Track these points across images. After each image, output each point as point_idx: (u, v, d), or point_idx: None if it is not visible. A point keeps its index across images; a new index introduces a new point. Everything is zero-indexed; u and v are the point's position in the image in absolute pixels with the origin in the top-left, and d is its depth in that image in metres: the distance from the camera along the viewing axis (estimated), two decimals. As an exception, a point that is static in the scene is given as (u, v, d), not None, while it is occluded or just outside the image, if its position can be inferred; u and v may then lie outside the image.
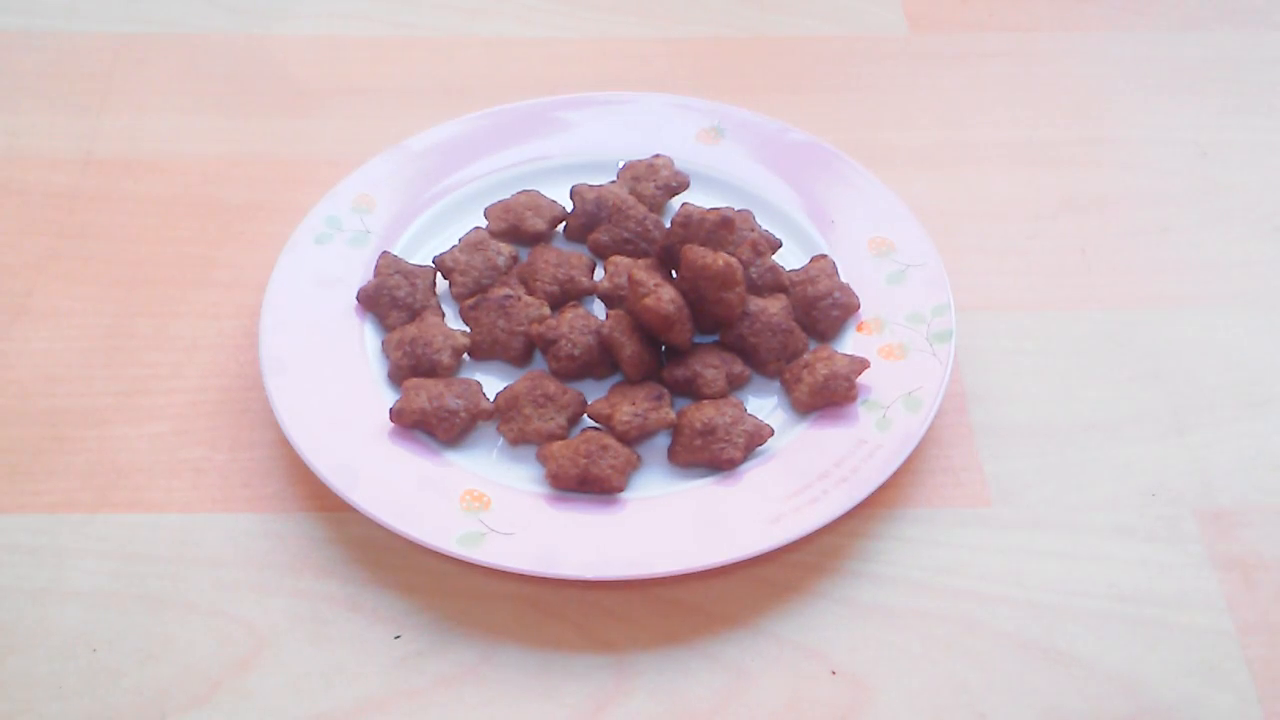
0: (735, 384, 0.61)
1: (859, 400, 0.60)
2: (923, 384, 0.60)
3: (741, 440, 0.57)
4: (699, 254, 0.59)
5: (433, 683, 0.52)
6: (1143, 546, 0.56)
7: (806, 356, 0.61)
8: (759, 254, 0.64)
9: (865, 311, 0.64)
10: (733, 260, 0.60)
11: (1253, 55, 0.82)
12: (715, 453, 0.57)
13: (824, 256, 0.66)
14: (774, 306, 0.62)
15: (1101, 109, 0.79)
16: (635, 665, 0.53)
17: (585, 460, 0.56)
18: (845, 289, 0.64)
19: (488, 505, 0.56)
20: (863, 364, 0.60)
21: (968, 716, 0.51)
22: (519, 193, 0.70)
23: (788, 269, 0.66)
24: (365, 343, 0.63)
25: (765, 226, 0.68)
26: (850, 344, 0.63)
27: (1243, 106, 0.79)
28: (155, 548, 0.56)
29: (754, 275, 0.63)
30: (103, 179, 0.73)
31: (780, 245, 0.68)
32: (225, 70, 0.81)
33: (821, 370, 0.59)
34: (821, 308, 0.63)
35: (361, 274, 0.66)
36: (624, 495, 0.57)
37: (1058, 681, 0.52)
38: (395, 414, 0.58)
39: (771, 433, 0.59)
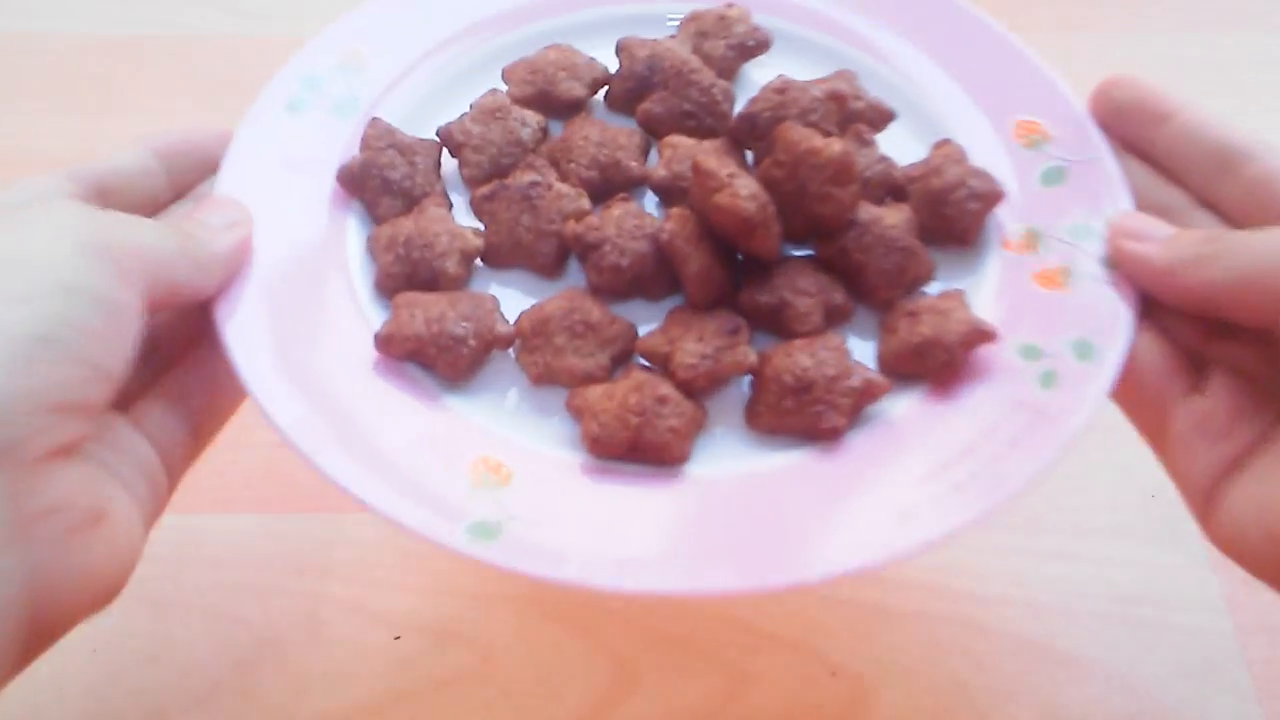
0: (835, 319, 0.47)
1: (1007, 345, 0.45)
2: (1098, 323, 0.45)
3: (848, 401, 0.44)
4: (803, 136, 0.46)
5: (432, 684, 0.52)
6: (1143, 547, 0.56)
7: (920, 301, 0.47)
8: (863, 143, 0.52)
9: (1011, 218, 0.50)
10: (850, 146, 0.46)
11: (1253, 56, 0.82)
12: (812, 417, 0.44)
13: (948, 142, 0.52)
14: (893, 217, 0.50)
15: (1101, 109, 0.79)
16: (635, 666, 0.53)
17: (638, 419, 0.43)
18: (982, 175, 0.51)
19: (507, 479, 0.43)
20: (982, 335, 0.45)
21: (968, 716, 0.51)
22: (548, 48, 0.56)
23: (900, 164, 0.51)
24: (347, 242, 0.50)
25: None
26: (996, 262, 0.49)
27: (1243, 107, 0.79)
28: (155, 548, 0.56)
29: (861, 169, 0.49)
30: (103, 179, 0.73)
31: (893, 116, 0.54)
32: (225, 71, 0.81)
33: (924, 328, 0.45)
34: (953, 202, 0.49)
35: (345, 153, 0.54)
36: (689, 469, 0.44)
37: (1058, 681, 0.52)
38: (382, 341, 0.46)
39: (887, 387, 0.45)
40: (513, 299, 0.49)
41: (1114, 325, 0.45)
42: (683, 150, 0.50)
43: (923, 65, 0.55)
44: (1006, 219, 0.49)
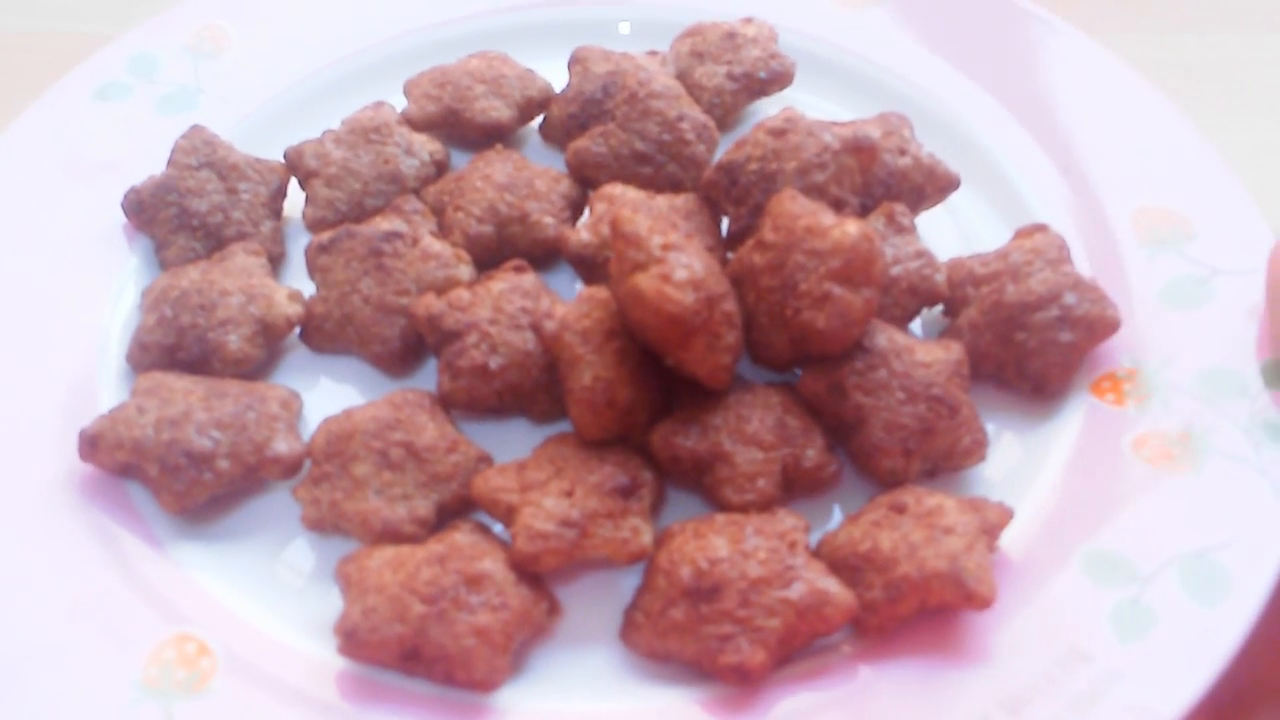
0: (800, 488, 0.33)
1: (1070, 553, 0.30)
2: (1233, 531, 0.30)
3: (774, 625, 0.29)
4: (804, 209, 0.32)
5: None
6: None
7: (927, 497, 0.31)
8: (897, 229, 0.36)
9: (1118, 350, 0.35)
10: (870, 232, 0.33)
11: (1253, 56, 0.83)
12: (711, 642, 0.29)
13: (1043, 229, 0.38)
14: (929, 352, 0.34)
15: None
16: None
17: (425, 609, 0.29)
18: (1090, 290, 0.36)
19: (202, 680, 0.29)
20: (966, 597, 0.28)
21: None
22: (472, 55, 0.42)
23: (966, 254, 0.38)
24: (124, 289, 0.39)
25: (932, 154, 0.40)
26: (1078, 413, 0.35)
27: (1243, 106, 0.79)
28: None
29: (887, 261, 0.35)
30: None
31: (956, 183, 0.40)
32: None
33: (886, 539, 0.30)
34: (1035, 326, 0.35)
35: (157, 166, 0.41)
36: (505, 704, 0.30)
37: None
38: (85, 443, 0.33)
39: (850, 611, 0.29)
40: (335, 400, 0.35)
41: (1261, 535, 0.28)
42: (619, 206, 0.36)
43: (1004, 112, 0.41)
44: (1106, 347, 0.34)
